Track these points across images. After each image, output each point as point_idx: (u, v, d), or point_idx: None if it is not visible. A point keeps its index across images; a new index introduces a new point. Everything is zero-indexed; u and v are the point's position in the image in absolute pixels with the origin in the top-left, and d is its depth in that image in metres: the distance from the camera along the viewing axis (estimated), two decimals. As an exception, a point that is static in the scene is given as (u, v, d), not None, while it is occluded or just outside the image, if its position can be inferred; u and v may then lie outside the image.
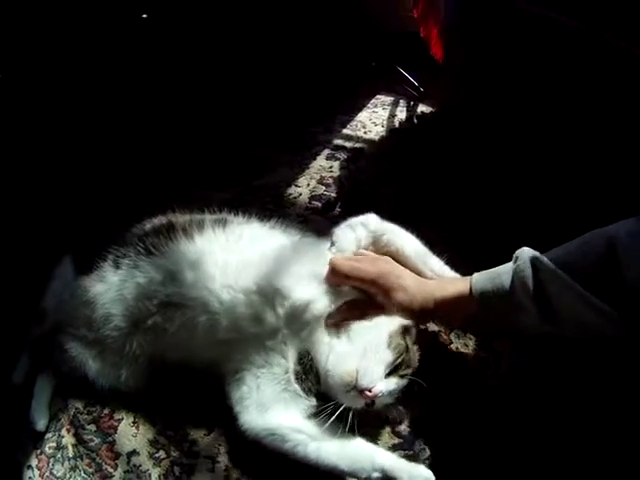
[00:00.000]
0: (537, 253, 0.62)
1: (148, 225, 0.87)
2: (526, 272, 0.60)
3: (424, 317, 0.76)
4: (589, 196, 0.91)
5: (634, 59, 0.79)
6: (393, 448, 0.73)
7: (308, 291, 0.73)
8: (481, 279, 0.67)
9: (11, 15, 1.01)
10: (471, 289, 0.67)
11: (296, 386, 0.72)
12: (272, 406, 0.71)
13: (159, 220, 0.87)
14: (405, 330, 0.72)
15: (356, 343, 0.69)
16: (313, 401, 0.71)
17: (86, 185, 1.19)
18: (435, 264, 0.80)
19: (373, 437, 0.73)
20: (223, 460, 0.75)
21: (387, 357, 0.67)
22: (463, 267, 0.93)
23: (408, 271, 0.76)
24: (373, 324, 0.71)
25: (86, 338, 0.82)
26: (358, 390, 0.65)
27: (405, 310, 0.71)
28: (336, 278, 0.74)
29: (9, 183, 1.04)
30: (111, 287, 0.79)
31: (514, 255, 0.65)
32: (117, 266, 0.81)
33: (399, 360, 0.68)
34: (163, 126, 1.35)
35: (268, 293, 0.73)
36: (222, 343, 0.75)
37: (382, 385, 0.65)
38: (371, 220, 0.82)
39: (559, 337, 0.65)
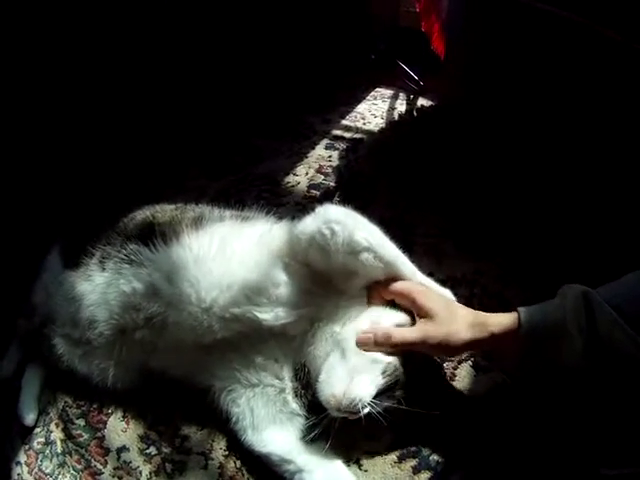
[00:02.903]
0: (587, 288, 0.61)
1: (131, 223, 0.82)
2: (579, 303, 0.60)
3: (464, 347, 0.67)
4: (588, 190, 0.90)
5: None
6: (393, 446, 0.70)
7: (279, 314, 0.69)
8: (529, 312, 0.64)
9: (9, 7, 1.01)
10: (520, 321, 0.63)
11: (294, 405, 0.70)
12: (267, 427, 0.69)
13: (142, 217, 0.83)
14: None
15: (350, 362, 0.65)
16: (310, 415, 0.69)
17: (81, 173, 1.18)
18: None
19: (373, 437, 0.71)
20: (217, 457, 0.73)
21: (378, 383, 0.64)
22: (460, 258, 0.93)
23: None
24: None
25: (71, 336, 0.79)
26: (342, 412, 0.63)
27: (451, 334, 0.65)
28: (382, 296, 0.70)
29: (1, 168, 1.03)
30: (96, 288, 0.76)
31: (560, 291, 0.64)
32: (103, 267, 0.78)
33: (391, 384, 0.65)
34: (161, 114, 1.34)
35: (245, 320, 0.70)
36: (213, 361, 0.73)
37: (367, 408, 0.63)
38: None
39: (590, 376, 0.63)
